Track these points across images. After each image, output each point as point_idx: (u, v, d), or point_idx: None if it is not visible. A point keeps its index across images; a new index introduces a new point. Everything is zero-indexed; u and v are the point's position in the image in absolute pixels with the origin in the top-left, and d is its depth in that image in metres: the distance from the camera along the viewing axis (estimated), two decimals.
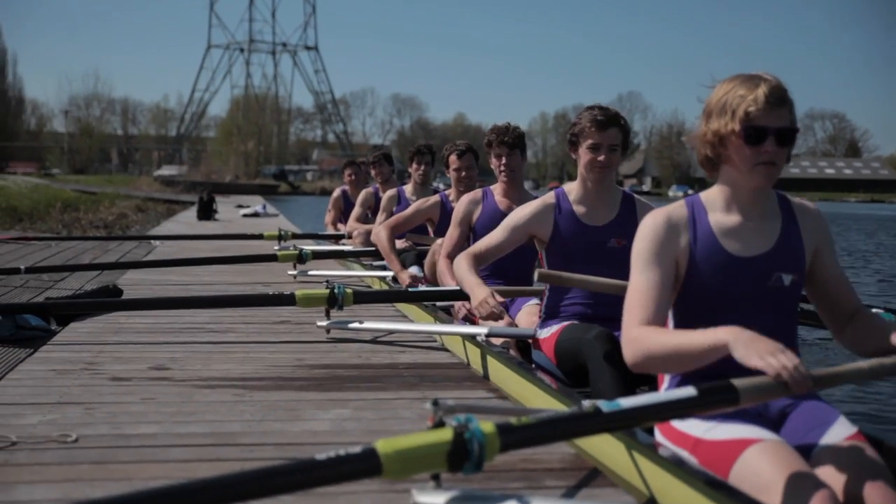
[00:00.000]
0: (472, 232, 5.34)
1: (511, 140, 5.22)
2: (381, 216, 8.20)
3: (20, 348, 4.82)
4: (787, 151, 2.61)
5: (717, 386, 2.30)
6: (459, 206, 5.42)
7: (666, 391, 2.42)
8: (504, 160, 5.25)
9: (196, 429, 3.35)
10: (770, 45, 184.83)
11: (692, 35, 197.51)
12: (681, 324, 2.72)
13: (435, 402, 2.17)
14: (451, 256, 5.39)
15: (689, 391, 2.29)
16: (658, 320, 2.59)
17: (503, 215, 5.04)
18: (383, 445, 1.95)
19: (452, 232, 5.34)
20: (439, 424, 2.10)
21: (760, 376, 2.30)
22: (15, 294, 7.07)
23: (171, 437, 3.22)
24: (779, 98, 2.57)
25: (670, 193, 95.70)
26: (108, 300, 6.12)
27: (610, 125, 3.99)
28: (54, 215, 23.52)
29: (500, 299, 4.11)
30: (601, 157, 4.02)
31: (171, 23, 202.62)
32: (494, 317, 4.10)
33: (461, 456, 2.03)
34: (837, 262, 2.82)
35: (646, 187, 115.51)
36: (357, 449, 1.95)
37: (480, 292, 4.13)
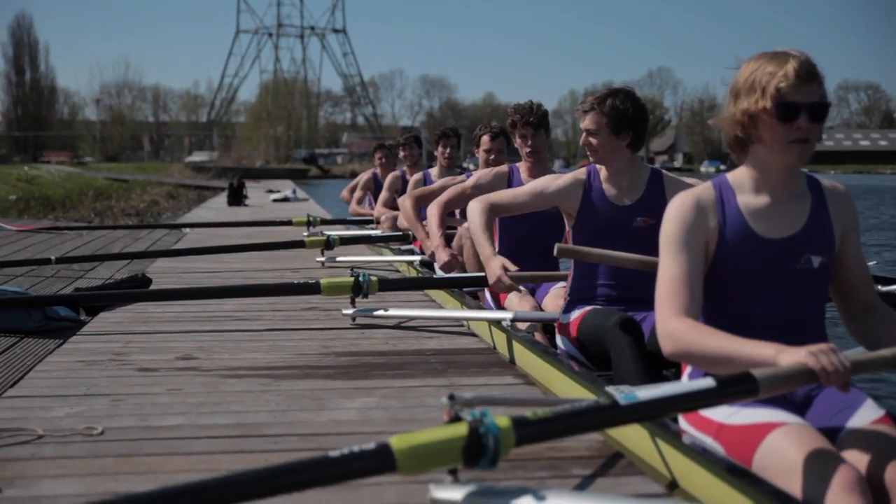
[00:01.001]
0: None
1: (535, 120, 5.19)
2: (384, 193, 8.26)
3: (50, 339, 4.85)
4: (819, 127, 2.55)
5: (736, 376, 2.26)
6: (485, 174, 5.36)
7: (685, 382, 2.38)
8: (529, 140, 5.22)
9: (221, 420, 3.34)
10: (800, 17, 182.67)
11: (722, 10, 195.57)
12: (709, 306, 2.68)
13: (451, 397, 2.14)
14: (447, 206, 5.32)
15: (707, 382, 2.25)
16: (694, 309, 2.56)
17: None
18: (397, 441, 1.93)
19: (464, 188, 5.28)
20: (455, 419, 2.08)
21: (780, 366, 2.26)
22: (46, 284, 7.12)
23: (197, 429, 3.21)
24: (809, 73, 2.51)
25: (702, 169, 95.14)
26: (135, 291, 6.14)
27: (587, 111, 4.08)
28: (87, 204, 23.78)
29: (513, 268, 4.17)
30: (582, 142, 4.17)
31: (200, 9, 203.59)
32: (508, 290, 4.28)
33: (476, 451, 2.00)
34: (861, 250, 2.77)
35: (677, 163, 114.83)
36: (371, 445, 1.93)
37: (494, 266, 4.20)
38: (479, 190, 5.12)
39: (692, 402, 2.28)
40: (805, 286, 2.65)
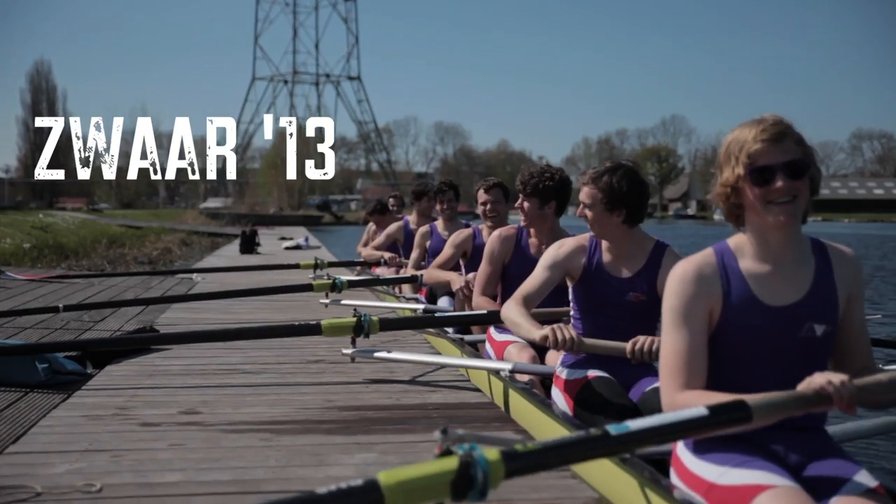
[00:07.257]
0: (504, 269, 5.29)
1: (529, 190, 5.14)
2: (415, 252, 8.22)
3: (55, 393, 4.87)
4: (802, 184, 2.57)
5: (728, 403, 2.28)
6: (492, 244, 5.33)
7: (676, 412, 2.37)
8: (525, 204, 5.16)
9: (220, 476, 3.36)
10: (816, 65, 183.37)
11: (736, 59, 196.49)
12: (710, 373, 2.67)
13: (444, 431, 2.13)
14: (486, 293, 5.33)
15: (699, 410, 2.26)
16: (698, 381, 2.57)
17: (535, 255, 5.04)
18: (385, 477, 1.91)
19: (485, 268, 5.28)
20: (446, 453, 2.07)
21: (773, 392, 2.27)
22: (54, 336, 7.13)
23: (195, 486, 3.23)
24: (777, 133, 2.56)
25: (716, 217, 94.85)
26: (141, 336, 6.16)
27: (584, 184, 4.12)
28: (100, 252, 23.88)
29: (572, 334, 3.81)
30: (578, 213, 4.14)
31: (217, 56, 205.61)
32: (570, 346, 3.79)
33: (465, 484, 1.97)
34: (863, 316, 2.76)
35: (691, 211, 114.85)
36: (359, 481, 1.91)
37: (545, 331, 3.84)
38: (495, 261, 5.26)
39: (684, 430, 2.26)
40: (807, 355, 2.64)
